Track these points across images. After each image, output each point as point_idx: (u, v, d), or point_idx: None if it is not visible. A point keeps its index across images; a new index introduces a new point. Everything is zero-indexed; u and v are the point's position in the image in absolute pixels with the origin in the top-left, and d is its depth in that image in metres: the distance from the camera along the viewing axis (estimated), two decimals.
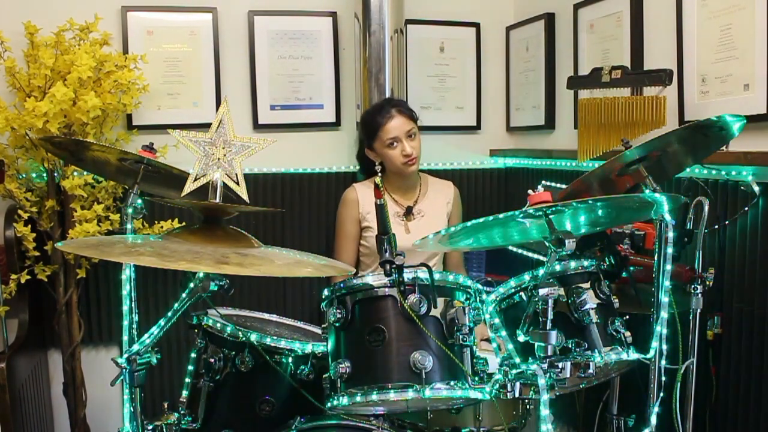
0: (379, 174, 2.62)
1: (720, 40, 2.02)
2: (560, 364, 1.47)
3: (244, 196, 1.49)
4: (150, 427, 1.71)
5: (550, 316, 1.48)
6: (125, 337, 2.09)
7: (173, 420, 1.77)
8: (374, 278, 1.53)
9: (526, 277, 1.59)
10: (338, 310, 1.54)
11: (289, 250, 1.63)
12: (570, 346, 1.53)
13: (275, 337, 1.81)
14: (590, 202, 1.54)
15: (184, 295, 1.52)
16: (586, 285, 1.59)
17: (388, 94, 2.85)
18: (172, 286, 2.91)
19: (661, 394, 1.70)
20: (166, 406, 1.83)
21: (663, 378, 1.69)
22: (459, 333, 1.51)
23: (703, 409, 2.05)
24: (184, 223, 2.72)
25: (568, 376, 1.48)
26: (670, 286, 1.66)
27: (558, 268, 1.57)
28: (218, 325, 1.81)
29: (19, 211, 2.53)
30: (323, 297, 1.61)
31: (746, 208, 1.93)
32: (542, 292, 1.47)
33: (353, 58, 2.99)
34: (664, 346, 1.66)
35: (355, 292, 1.54)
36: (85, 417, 2.75)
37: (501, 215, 1.45)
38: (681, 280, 1.79)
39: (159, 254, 1.34)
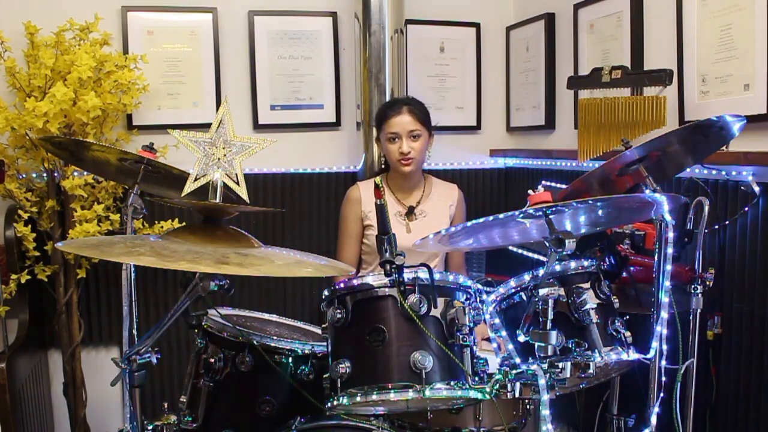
0: (383, 167, 2.62)
1: (720, 40, 2.02)
2: (560, 364, 1.46)
3: (244, 196, 1.49)
4: (150, 427, 1.71)
5: (550, 316, 1.48)
6: (125, 337, 2.09)
7: (173, 420, 1.77)
8: (374, 278, 1.53)
9: (526, 277, 1.59)
10: (338, 310, 1.54)
11: (289, 250, 1.63)
12: (570, 346, 1.53)
13: (275, 337, 1.81)
14: (590, 202, 1.54)
15: (184, 295, 1.52)
16: (586, 285, 1.59)
17: (388, 94, 2.86)
18: (172, 286, 2.91)
19: (661, 394, 1.70)
20: (166, 406, 1.83)
21: (663, 378, 1.69)
22: (459, 333, 1.51)
23: (703, 409, 2.05)
24: (184, 223, 2.72)
25: (568, 376, 1.48)
26: (670, 286, 1.66)
27: (558, 268, 1.57)
28: (218, 325, 1.81)
29: (19, 211, 2.53)
30: (323, 297, 1.61)
31: (746, 208, 1.94)
32: (542, 292, 1.47)
33: (353, 58, 2.99)
34: (664, 346, 1.66)
35: (355, 292, 1.54)
36: (85, 417, 2.75)
37: (501, 215, 1.45)
38: (681, 280, 1.79)
39: (159, 254, 1.34)
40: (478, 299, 1.59)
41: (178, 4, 2.88)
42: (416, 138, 2.51)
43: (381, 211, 1.47)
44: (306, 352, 1.80)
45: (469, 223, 1.50)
